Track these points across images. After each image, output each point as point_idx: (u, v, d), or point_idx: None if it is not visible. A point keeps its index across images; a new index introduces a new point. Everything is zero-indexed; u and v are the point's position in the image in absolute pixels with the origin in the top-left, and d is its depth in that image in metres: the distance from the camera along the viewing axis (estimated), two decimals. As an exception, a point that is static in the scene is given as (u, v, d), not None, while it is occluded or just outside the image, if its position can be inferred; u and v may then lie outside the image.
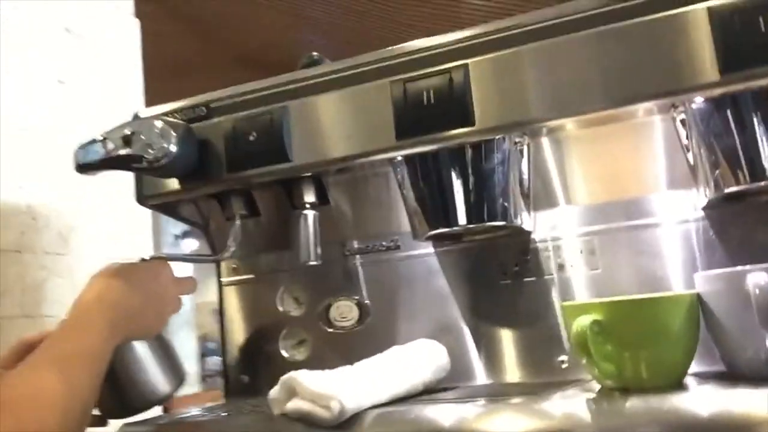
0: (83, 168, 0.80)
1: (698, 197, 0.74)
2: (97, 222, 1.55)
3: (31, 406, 0.58)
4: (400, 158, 0.79)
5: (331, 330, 0.92)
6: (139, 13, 1.73)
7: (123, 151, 0.78)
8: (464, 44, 0.73)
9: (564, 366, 0.80)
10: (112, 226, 1.59)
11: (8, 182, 1.36)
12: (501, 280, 0.84)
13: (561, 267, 0.81)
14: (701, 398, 0.58)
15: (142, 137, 0.78)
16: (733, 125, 0.66)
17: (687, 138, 0.72)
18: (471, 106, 0.71)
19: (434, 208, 0.77)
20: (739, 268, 0.60)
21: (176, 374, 0.87)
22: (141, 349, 0.83)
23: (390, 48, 0.77)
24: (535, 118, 0.71)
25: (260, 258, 0.97)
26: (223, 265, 0.99)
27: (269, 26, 3.44)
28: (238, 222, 0.90)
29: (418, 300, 0.88)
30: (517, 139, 0.76)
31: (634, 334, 0.60)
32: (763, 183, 0.64)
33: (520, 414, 0.61)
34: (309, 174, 0.85)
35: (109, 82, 1.61)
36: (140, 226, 1.65)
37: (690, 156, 0.73)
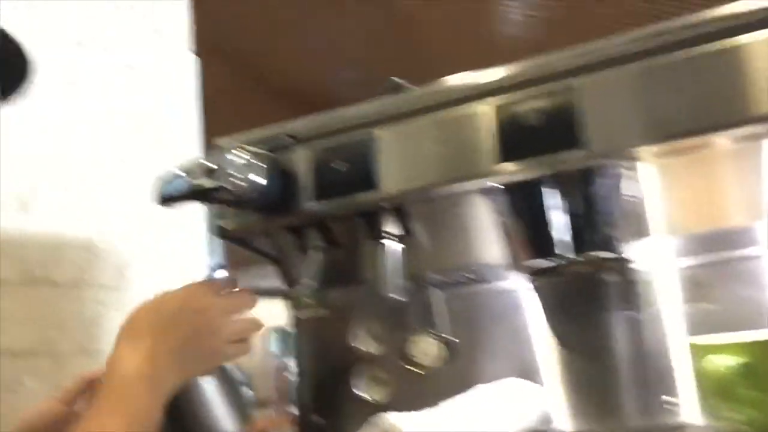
0: (166, 200, 0.78)
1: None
2: (153, 255, 1.53)
3: None
4: (495, 186, 0.76)
5: (410, 368, 0.87)
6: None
7: (209, 184, 0.76)
8: (572, 64, 0.70)
9: (670, 407, 0.74)
10: (168, 258, 1.57)
11: (67, 216, 1.35)
12: (599, 314, 0.79)
13: (665, 300, 0.76)
14: None
15: (228, 169, 0.75)
16: None
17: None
18: (582, 128, 0.67)
19: (538, 237, 0.73)
20: None
21: (242, 412, 0.83)
22: (207, 386, 0.80)
23: (485, 70, 0.74)
24: (650, 140, 0.67)
25: (334, 292, 0.93)
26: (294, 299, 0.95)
27: (304, 61, 3.47)
28: (316, 254, 0.87)
29: (505, 336, 0.84)
30: (625, 164, 0.72)
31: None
32: None
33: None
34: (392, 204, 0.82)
35: (165, 115, 1.61)
36: (195, 258, 1.64)
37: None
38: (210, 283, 0.72)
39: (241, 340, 0.70)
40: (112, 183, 1.47)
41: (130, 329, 0.65)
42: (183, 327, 0.65)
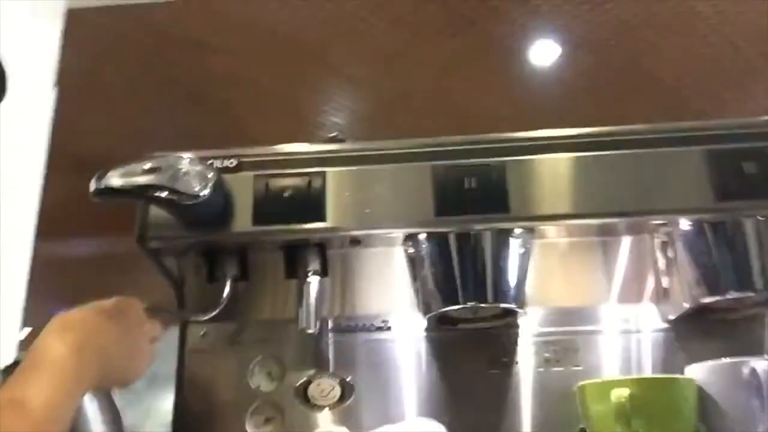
0: (101, 193, 0.75)
1: (670, 310, 0.87)
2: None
3: None
4: (422, 236, 0.84)
5: (308, 408, 0.88)
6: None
7: (149, 181, 0.75)
8: (500, 145, 0.84)
9: (547, 455, 0.84)
10: None
11: None
12: (490, 369, 0.88)
13: (547, 361, 0.88)
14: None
15: (171, 171, 0.76)
16: (714, 247, 0.81)
17: (664, 256, 0.86)
18: (507, 195, 0.80)
19: (452, 285, 0.82)
20: (735, 359, 0.72)
21: None
22: (89, 407, 0.75)
23: (428, 138, 0.85)
24: (561, 214, 0.81)
25: (232, 326, 0.92)
26: (189, 329, 0.92)
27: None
28: (228, 282, 0.87)
29: (404, 383, 0.89)
30: (533, 234, 0.85)
31: (662, 408, 0.68)
32: (741, 293, 0.78)
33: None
34: (317, 242, 0.86)
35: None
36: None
37: (664, 272, 0.87)
38: (139, 304, 0.71)
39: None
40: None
41: (61, 321, 0.62)
42: (114, 331, 0.65)
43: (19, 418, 0.50)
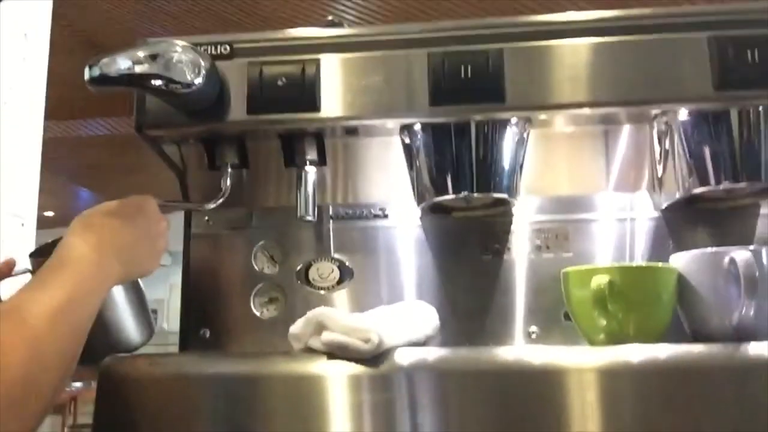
0: (97, 81, 0.75)
1: (663, 199, 0.88)
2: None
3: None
4: (417, 126, 0.84)
5: (309, 289, 0.92)
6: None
7: (147, 69, 0.75)
8: (499, 31, 0.81)
9: (534, 336, 0.88)
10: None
11: None
12: (483, 255, 0.91)
13: (538, 248, 0.91)
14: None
15: (173, 60, 0.76)
16: (709, 137, 0.80)
17: (661, 145, 0.86)
18: (504, 84, 0.79)
19: (446, 175, 0.83)
20: (716, 249, 0.73)
21: (148, 325, 0.85)
22: (117, 294, 0.80)
23: (427, 23, 0.83)
24: (558, 103, 0.80)
25: (235, 212, 0.95)
26: (193, 215, 0.95)
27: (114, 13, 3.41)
28: (228, 170, 0.89)
29: (401, 267, 0.93)
30: (529, 124, 0.85)
31: (640, 295, 0.70)
32: (733, 185, 0.79)
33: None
34: (313, 132, 0.87)
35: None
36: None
37: (659, 162, 0.87)
38: (155, 202, 0.75)
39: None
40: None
41: (82, 222, 0.66)
42: (133, 230, 0.69)
43: (16, 329, 0.52)
